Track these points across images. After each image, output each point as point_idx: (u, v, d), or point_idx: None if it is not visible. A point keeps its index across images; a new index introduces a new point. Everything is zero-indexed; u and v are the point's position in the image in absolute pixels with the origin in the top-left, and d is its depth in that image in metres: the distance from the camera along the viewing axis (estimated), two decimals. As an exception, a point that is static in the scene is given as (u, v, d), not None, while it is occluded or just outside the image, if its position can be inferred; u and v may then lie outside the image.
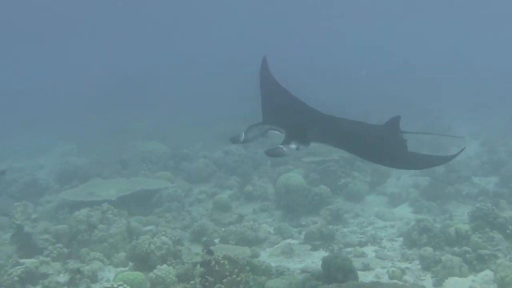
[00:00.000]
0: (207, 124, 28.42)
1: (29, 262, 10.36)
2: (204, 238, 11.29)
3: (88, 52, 71.08)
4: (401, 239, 11.39)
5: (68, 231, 11.48)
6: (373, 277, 9.28)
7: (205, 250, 9.46)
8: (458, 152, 7.34)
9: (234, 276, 7.35)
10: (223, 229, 12.38)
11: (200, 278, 7.57)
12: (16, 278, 9.57)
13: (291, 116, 8.23)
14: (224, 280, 7.31)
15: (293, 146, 7.15)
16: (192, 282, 7.85)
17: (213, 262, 7.54)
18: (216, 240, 11.62)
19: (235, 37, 72.59)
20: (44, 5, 63.01)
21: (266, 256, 10.87)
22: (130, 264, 10.17)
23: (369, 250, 10.94)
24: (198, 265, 8.37)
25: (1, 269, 9.81)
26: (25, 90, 49.93)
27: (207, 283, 7.36)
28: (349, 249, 10.96)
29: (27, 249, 11.27)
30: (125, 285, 7.72)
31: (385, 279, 9.16)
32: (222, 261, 7.53)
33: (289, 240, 11.89)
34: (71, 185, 16.30)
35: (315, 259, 10.42)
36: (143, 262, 9.77)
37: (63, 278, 9.96)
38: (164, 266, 8.80)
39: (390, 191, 15.09)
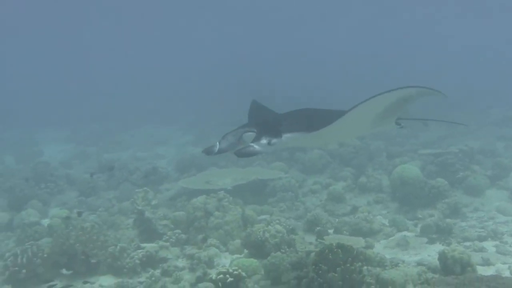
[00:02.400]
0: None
1: (149, 246, 10.80)
2: (318, 228, 11.30)
3: (212, 45, 73.24)
4: (524, 234, 10.88)
5: (185, 218, 11.88)
6: (493, 272, 8.90)
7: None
8: None
9: (348, 265, 7.30)
10: (337, 219, 12.33)
11: (313, 266, 7.58)
12: (137, 261, 10.05)
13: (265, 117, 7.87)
14: (338, 269, 7.28)
15: (264, 141, 6.75)
16: (305, 270, 7.88)
17: (327, 250, 7.52)
18: (330, 231, 11.59)
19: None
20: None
21: (381, 248, 10.72)
22: (245, 251, 10.37)
23: (489, 245, 10.48)
24: (312, 254, 8.40)
25: (124, 252, 10.25)
26: (145, 83, 52.12)
27: (320, 271, 7.35)
28: (467, 243, 10.54)
29: (147, 233, 11.78)
30: (239, 270, 7.88)
31: (506, 274, 8.76)
32: (335, 250, 7.50)
33: (405, 233, 11.64)
34: (189, 174, 16.83)
35: (431, 253, 10.14)
36: (258, 249, 9.93)
37: (181, 263, 10.32)
38: (278, 253, 8.88)
39: (513, 186, 14.37)
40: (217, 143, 6.86)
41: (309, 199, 14.56)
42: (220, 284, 7.71)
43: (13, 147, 28.55)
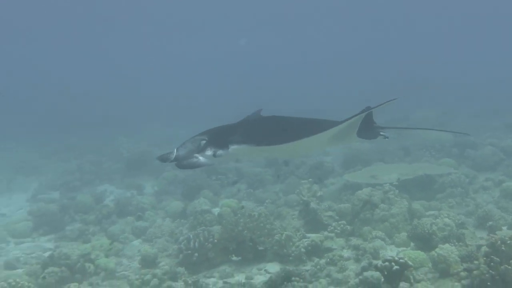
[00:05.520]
0: (498, 114, 27.57)
1: (314, 236, 10.95)
2: (490, 223, 10.78)
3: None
4: None
5: (351, 210, 11.87)
6: None
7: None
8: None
9: (523, 258, 6.91)
10: (511, 216, 11.68)
11: (485, 258, 7.27)
12: (303, 250, 10.20)
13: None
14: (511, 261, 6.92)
15: (209, 152, 6.43)
16: (476, 262, 7.58)
17: (499, 242, 7.17)
18: (504, 228, 11.00)
19: None
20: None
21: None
22: (412, 244, 10.18)
23: None
24: (483, 247, 8.05)
25: (289, 241, 10.45)
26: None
27: (492, 263, 7.03)
28: None
29: (312, 224, 11.95)
30: (406, 259, 7.73)
31: None
32: (509, 241, 7.12)
33: None
34: (355, 169, 16.78)
35: None
36: (425, 242, 9.73)
37: (346, 253, 10.33)
38: (447, 245, 8.61)
39: None
40: (175, 150, 6.64)
41: (480, 195, 13.93)
42: (385, 271, 7.62)
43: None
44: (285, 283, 8.27)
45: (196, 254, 10.39)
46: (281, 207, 14.05)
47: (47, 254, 11.60)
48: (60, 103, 46.09)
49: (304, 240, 10.62)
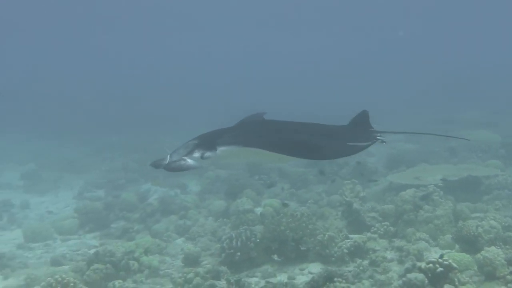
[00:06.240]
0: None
1: (357, 237, 10.87)
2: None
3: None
4: None
5: (394, 211, 11.76)
6: None
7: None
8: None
9: None
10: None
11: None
12: (345, 251, 10.15)
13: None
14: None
15: (196, 154, 6.39)
16: (523, 265, 7.45)
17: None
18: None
19: None
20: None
21: None
22: (456, 246, 10.03)
23: None
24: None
25: (332, 241, 10.40)
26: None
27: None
28: None
29: (355, 225, 11.89)
30: (450, 261, 7.63)
31: None
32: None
33: None
34: (398, 170, 16.61)
35: None
36: (470, 245, 9.59)
37: (389, 254, 10.24)
38: (493, 248, 8.48)
39: None
40: (168, 156, 6.63)
41: (527, 197, 13.62)
42: (429, 273, 7.53)
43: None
44: (327, 283, 8.22)
45: (239, 253, 10.41)
46: (324, 207, 13.97)
47: (92, 251, 11.77)
48: (94, 103, 46.66)
49: (347, 240, 10.55)
